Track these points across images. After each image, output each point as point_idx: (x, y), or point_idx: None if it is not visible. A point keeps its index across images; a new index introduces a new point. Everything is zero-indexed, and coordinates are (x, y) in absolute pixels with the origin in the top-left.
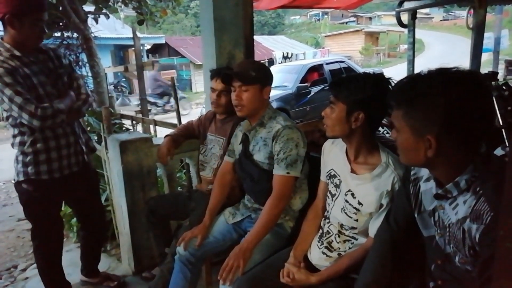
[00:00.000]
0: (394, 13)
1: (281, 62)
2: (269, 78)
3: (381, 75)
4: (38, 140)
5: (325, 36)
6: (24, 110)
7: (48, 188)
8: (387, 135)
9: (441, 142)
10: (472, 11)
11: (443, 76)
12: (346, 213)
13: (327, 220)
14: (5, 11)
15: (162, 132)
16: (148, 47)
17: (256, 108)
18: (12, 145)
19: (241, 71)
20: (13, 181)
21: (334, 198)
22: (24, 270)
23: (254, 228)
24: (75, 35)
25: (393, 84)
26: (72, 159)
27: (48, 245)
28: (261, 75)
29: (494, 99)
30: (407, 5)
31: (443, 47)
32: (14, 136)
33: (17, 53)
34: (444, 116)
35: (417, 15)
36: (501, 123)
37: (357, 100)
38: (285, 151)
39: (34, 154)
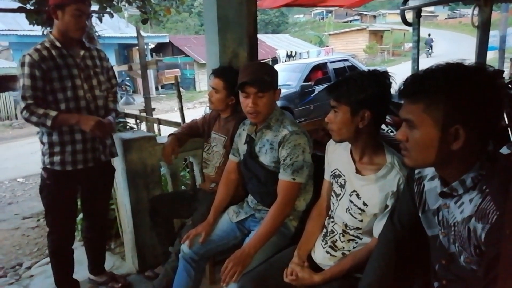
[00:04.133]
0: (398, 11)
1: (285, 61)
2: (277, 79)
3: (377, 71)
4: (53, 132)
5: (329, 34)
6: (20, 104)
7: (60, 178)
8: (392, 134)
9: (468, 132)
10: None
11: (462, 67)
12: (351, 213)
13: (332, 220)
14: (51, 3)
15: (166, 131)
16: (152, 46)
17: (271, 112)
18: (37, 133)
19: (257, 78)
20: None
21: (338, 198)
22: (29, 268)
23: (257, 232)
24: None
25: (392, 79)
26: (88, 155)
27: (58, 233)
28: (274, 79)
29: None
30: (411, 3)
31: (448, 45)
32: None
33: (57, 44)
34: (472, 104)
35: (422, 13)
36: (507, 122)
37: (360, 100)
38: (292, 157)
39: (49, 145)
